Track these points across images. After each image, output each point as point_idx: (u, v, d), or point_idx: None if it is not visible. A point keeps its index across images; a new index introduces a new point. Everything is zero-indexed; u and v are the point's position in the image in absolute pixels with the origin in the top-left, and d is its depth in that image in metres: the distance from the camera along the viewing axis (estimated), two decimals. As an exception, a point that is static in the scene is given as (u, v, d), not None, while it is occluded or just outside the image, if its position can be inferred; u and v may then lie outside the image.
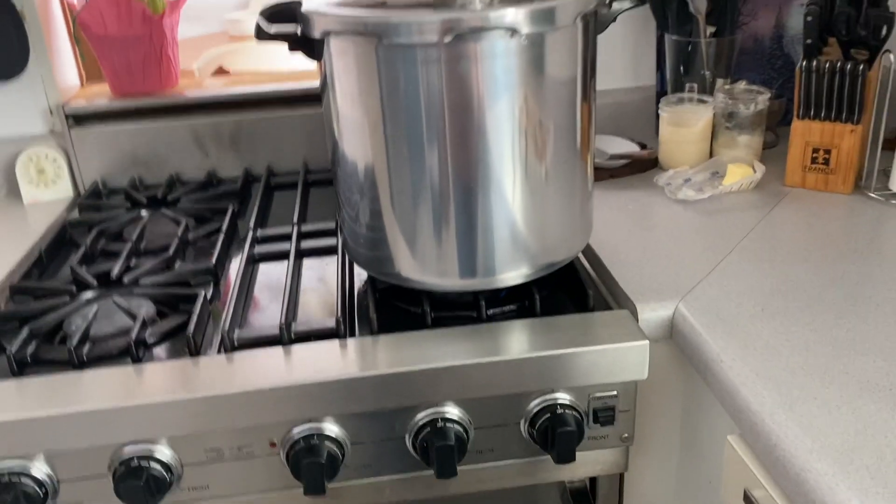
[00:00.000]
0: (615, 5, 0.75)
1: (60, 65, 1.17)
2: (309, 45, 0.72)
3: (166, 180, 1.14)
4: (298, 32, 0.72)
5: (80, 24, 1.13)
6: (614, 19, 0.76)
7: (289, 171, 1.18)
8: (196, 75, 2.57)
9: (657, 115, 1.17)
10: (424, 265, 0.74)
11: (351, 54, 0.69)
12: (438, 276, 0.75)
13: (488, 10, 0.64)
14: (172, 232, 0.98)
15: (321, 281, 0.88)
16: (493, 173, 0.70)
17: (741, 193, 1.02)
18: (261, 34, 0.73)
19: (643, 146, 1.16)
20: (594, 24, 0.72)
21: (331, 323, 0.75)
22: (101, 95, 1.19)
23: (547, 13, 0.66)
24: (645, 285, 0.81)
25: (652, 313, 0.78)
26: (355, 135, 0.73)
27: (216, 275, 0.88)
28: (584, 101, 0.73)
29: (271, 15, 0.72)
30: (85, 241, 0.95)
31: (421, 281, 0.75)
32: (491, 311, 0.77)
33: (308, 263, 0.92)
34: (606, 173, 1.09)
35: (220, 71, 1.29)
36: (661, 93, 1.22)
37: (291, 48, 0.73)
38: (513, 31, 0.65)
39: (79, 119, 1.14)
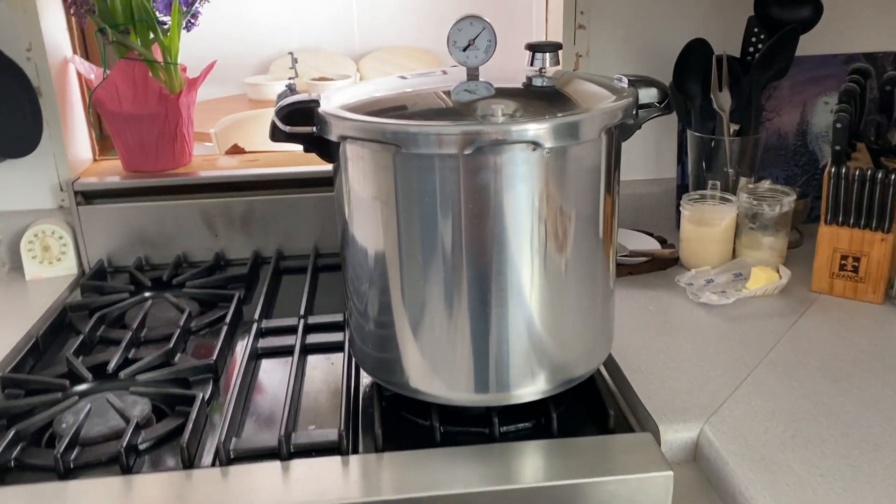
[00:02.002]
0: (641, 113, 0.73)
1: (73, 139, 1.16)
2: (324, 147, 0.70)
3: (173, 261, 1.11)
4: (314, 133, 0.70)
5: (96, 101, 1.12)
6: (639, 127, 0.74)
7: (299, 253, 1.15)
8: (213, 140, 2.59)
9: (677, 209, 1.15)
10: (434, 375, 0.70)
11: (367, 159, 0.66)
12: (449, 389, 0.71)
13: (510, 123, 0.62)
14: (175, 319, 0.95)
15: (325, 382, 0.84)
16: (510, 282, 0.67)
17: (766, 297, 0.99)
18: (276, 135, 0.71)
19: (663, 241, 1.13)
20: (619, 133, 0.70)
21: (333, 436, 0.71)
22: (112, 171, 1.17)
23: (570, 127, 0.63)
24: (668, 402, 0.77)
25: (675, 435, 0.73)
26: (366, 235, 0.70)
27: (216, 371, 0.84)
28: (606, 207, 0.71)
29: (287, 115, 0.70)
30: (84, 327, 0.92)
31: (430, 393, 0.71)
32: (504, 429, 0.72)
33: (313, 361, 0.88)
34: (626, 270, 1.05)
35: (236, 148, 1.28)
36: (681, 186, 1.20)
37: (307, 149, 0.71)
38: (535, 145, 0.62)
39: (88, 196, 1.12)
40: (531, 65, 0.73)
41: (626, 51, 1.16)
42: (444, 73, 0.79)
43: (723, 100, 1.07)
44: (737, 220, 1.05)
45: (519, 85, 0.73)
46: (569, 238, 0.67)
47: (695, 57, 1.06)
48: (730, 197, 1.06)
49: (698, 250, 1.06)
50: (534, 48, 0.73)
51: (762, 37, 1.08)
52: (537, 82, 0.73)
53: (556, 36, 1.18)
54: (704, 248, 1.05)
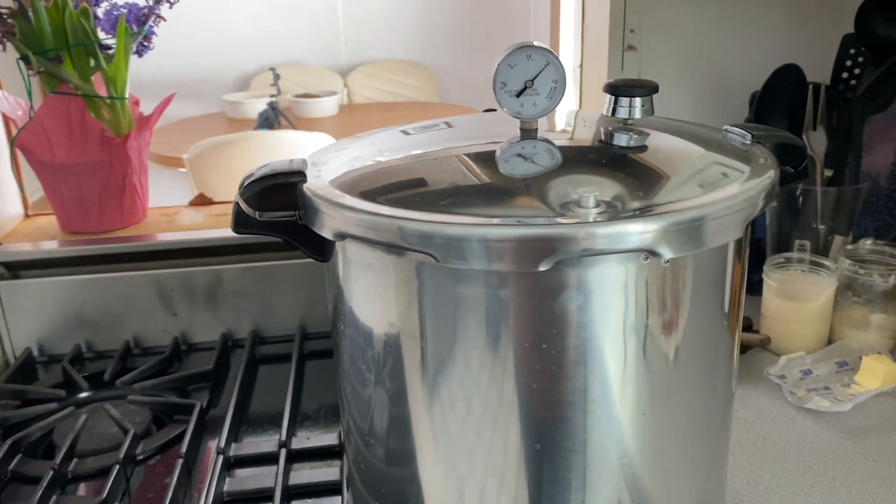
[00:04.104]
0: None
1: (-3, 193, 0.93)
2: (313, 242, 0.47)
3: (120, 350, 0.87)
4: (298, 220, 0.47)
5: (20, 147, 0.88)
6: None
7: (281, 334, 0.92)
8: (186, 166, 2.35)
9: (746, 268, 0.92)
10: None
11: (379, 270, 0.43)
12: None
13: (612, 220, 0.39)
14: (114, 444, 0.71)
15: (318, 549, 0.61)
16: (598, 457, 0.44)
17: (883, 397, 0.76)
18: (244, 223, 0.48)
19: (734, 313, 0.91)
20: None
21: None
22: (49, 231, 0.94)
23: (702, 223, 0.40)
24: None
25: None
26: (373, 372, 0.47)
27: (166, 534, 0.61)
28: (732, 329, 0.48)
29: (259, 195, 0.47)
30: (-10, 461, 0.68)
31: None
32: None
33: (299, 507, 0.65)
34: (696, 357, 0.83)
35: (202, 199, 1.05)
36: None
37: (287, 244, 0.48)
38: (649, 254, 0.39)
39: (13, 267, 0.89)
40: (612, 114, 0.51)
41: (686, 77, 0.94)
42: (449, 125, 0.57)
43: (817, 140, 0.85)
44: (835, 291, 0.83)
45: (595, 144, 0.51)
46: (687, 386, 0.45)
47: (783, 86, 0.84)
48: (825, 262, 0.84)
49: (789, 332, 0.84)
50: (617, 90, 0.50)
51: (860, 60, 0.87)
52: (622, 140, 0.50)
53: (596, 56, 0.96)
54: (796, 328, 0.83)
